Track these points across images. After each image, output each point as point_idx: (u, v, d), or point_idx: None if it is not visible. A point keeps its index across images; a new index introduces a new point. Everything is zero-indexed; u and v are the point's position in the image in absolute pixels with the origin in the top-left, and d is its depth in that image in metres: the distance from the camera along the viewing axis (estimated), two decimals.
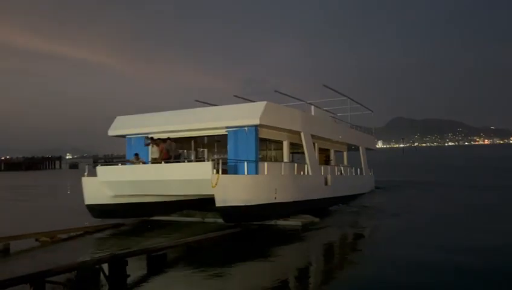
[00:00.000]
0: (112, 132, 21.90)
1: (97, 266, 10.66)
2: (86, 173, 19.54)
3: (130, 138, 21.55)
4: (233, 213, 16.25)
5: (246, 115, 18.45)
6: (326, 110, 27.18)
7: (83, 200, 19.51)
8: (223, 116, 18.97)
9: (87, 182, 19.40)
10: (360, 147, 32.04)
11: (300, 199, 19.67)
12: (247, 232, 17.04)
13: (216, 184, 15.73)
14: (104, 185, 18.81)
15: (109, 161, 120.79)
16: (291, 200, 18.96)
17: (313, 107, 24.74)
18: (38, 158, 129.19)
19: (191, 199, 19.35)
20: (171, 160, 18.82)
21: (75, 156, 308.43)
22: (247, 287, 10.76)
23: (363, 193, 29.27)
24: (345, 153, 30.49)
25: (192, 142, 21.98)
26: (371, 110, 32.59)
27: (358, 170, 31.05)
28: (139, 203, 19.31)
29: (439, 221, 19.03)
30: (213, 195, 15.99)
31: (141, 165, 18.98)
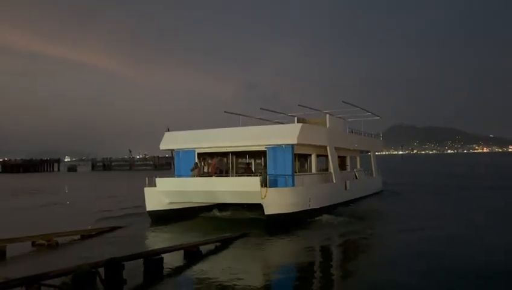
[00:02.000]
0: (163, 146, 24.60)
1: (93, 270, 10.55)
2: (146, 184, 22.52)
3: (179, 151, 24.05)
4: (278, 219, 19.10)
5: (284, 135, 21.21)
6: (339, 117, 29.43)
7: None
8: (263, 135, 21.78)
9: (148, 191, 22.34)
10: (371, 152, 35.52)
11: (327, 205, 22.57)
12: (244, 235, 17.00)
13: (265, 196, 18.88)
14: (162, 194, 21.88)
15: (108, 164, 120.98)
16: (321, 206, 21.80)
17: (328, 115, 26.65)
18: (37, 160, 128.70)
19: (233, 203, 21.98)
20: (222, 174, 22.26)
21: (74, 159, 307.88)
22: None
23: (374, 193, 32.07)
24: (358, 158, 33.19)
25: (233, 155, 24.36)
26: (379, 116, 34.16)
27: (369, 171, 34.43)
28: (188, 208, 22.43)
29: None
30: (258, 202, 19.28)
31: (196, 178, 21.84)
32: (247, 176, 21.71)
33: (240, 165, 25.07)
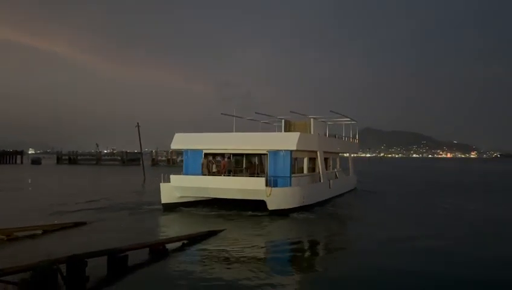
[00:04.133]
0: (174, 145, 27.33)
1: (54, 267, 10.23)
2: (162, 180, 25.07)
3: (187, 151, 26.79)
4: (280, 213, 22.39)
5: (284, 141, 24.70)
6: (322, 121, 33.33)
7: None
8: (266, 141, 25.14)
9: (163, 186, 25.05)
10: (348, 153, 40.49)
11: (316, 201, 26.00)
12: (212, 233, 16.95)
13: (269, 194, 22.28)
14: (175, 189, 24.81)
15: (74, 157, 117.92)
16: (312, 202, 25.27)
17: (312, 120, 30.16)
18: None
19: (237, 199, 24.33)
20: (230, 173, 25.12)
21: (38, 151, 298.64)
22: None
23: (350, 190, 36.44)
24: (337, 159, 36.67)
25: (238, 157, 26.89)
26: (355, 121, 38.35)
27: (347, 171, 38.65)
28: (196, 201, 25.42)
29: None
30: (261, 199, 22.62)
31: (206, 177, 24.83)
32: (251, 176, 24.49)
33: (243, 166, 27.08)
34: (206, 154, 26.13)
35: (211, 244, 15.70)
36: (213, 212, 23.48)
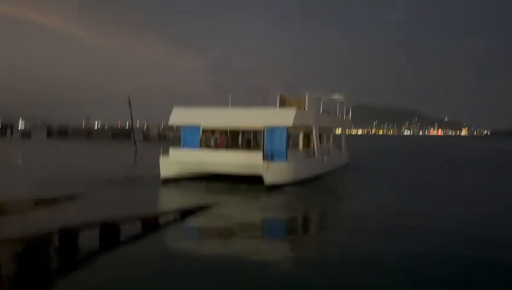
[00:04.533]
0: (172, 121, 27.30)
1: (46, 239, 10.27)
2: (161, 154, 25.33)
3: (185, 126, 26.89)
4: (275, 187, 22.75)
5: (280, 117, 25.11)
6: (317, 98, 33.73)
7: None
8: (263, 117, 25.60)
9: (163, 160, 25.23)
10: (341, 130, 41.81)
11: (311, 175, 26.81)
12: (204, 207, 17.08)
13: (267, 169, 22.74)
14: (174, 163, 25.04)
15: (64, 131, 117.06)
16: (307, 176, 26.03)
17: (307, 96, 30.64)
18: None
19: (233, 173, 24.68)
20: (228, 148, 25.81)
21: (28, 124, 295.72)
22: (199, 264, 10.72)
23: (343, 165, 37.39)
24: (331, 135, 37.68)
25: (227, 132, 27.33)
26: (348, 98, 40.32)
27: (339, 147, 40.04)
28: (195, 175, 25.72)
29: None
30: (258, 173, 22.99)
31: (205, 151, 25.35)
32: (248, 151, 25.27)
33: (239, 141, 27.88)
34: (204, 129, 26.50)
35: (203, 218, 15.83)
36: (209, 186, 23.69)
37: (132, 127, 60.02)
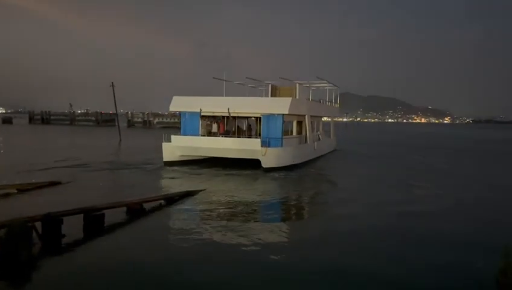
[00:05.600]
0: (172, 108, 28.59)
1: (29, 224, 10.14)
2: (164, 140, 27.09)
3: (185, 113, 28.19)
4: (271, 171, 24.48)
5: (276, 106, 26.56)
6: (306, 86, 35.87)
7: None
8: (260, 105, 27.28)
9: (165, 146, 27.08)
10: (330, 117, 44.06)
11: (303, 161, 28.82)
12: (190, 193, 17.06)
13: (265, 154, 24.68)
14: (175, 148, 26.83)
15: (46, 117, 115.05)
16: (300, 161, 28.04)
17: (297, 85, 32.39)
18: None
19: (232, 157, 26.64)
20: (228, 134, 26.84)
21: (9, 111, 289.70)
22: (184, 251, 10.73)
23: (332, 151, 39.62)
24: (320, 122, 38.90)
25: (226, 119, 28.28)
26: (337, 86, 41.71)
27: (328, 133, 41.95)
28: (194, 160, 27.50)
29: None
30: (256, 158, 25.07)
31: (206, 137, 26.87)
32: (246, 137, 26.95)
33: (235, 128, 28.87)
34: (203, 116, 27.82)
35: (188, 204, 15.83)
36: (203, 170, 25.11)
37: (116, 113, 59.08)
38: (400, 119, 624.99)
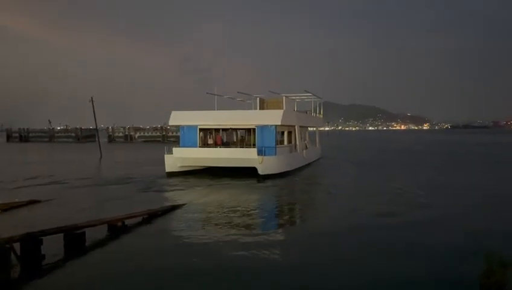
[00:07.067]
0: (172, 122, 30.65)
1: (7, 245, 9.86)
2: (165, 152, 29.02)
3: (183, 127, 30.01)
4: (268, 177, 26.10)
5: (270, 118, 28.82)
6: (292, 99, 37.87)
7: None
8: (254, 117, 29.58)
9: (167, 157, 28.82)
10: (316, 128, 46.74)
11: (294, 168, 30.70)
12: (173, 207, 16.88)
13: (261, 162, 26.56)
14: (177, 160, 28.56)
15: (25, 135, 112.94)
16: (291, 169, 29.86)
17: (284, 97, 34.28)
18: None
19: (229, 166, 28.23)
20: (226, 145, 29.43)
21: None
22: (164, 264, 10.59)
23: (316, 160, 41.21)
24: (307, 132, 41.08)
25: (221, 131, 30.96)
26: (321, 98, 44.06)
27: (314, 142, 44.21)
28: (194, 170, 29.25)
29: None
30: (252, 166, 26.80)
31: (206, 149, 28.95)
32: (242, 147, 28.86)
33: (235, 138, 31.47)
34: (201, 129, 29.81)
35: (170, 220, 15.65)
36: (192, 181, 26.04)
37: (96, 128, 58.28)
38: (380, 127, 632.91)
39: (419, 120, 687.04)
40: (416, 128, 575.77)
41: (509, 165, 38.34)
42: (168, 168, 28.67)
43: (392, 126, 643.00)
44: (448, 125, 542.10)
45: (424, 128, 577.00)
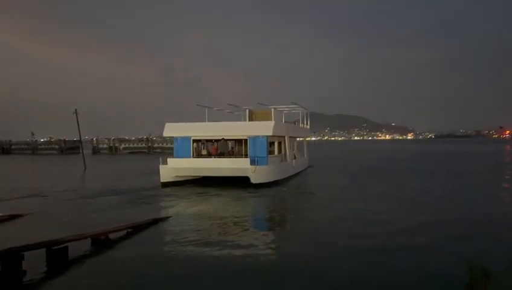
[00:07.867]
0: (166, 133, 31.79)
1: None
2: (160, 163, 29.77)
3: (177, 138, 31.04)
4: (260, 186, 27.12)
5: (261, 129, 29.83)
6: (280, 110, 38.99)
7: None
8: (246, 128, 30.59)
9: (162, 168, 29.63)
10: (303, 138, 48.08)
11: (284, 177, 31.91)
12: (157, 220, 16.72)
13: (254, 171, 27.49)
14: (172, 170, 29.35)
15: (7, 147, 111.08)
16: (282, 177, 31.06)
17: (273, 109, 34.77)
18: None
19: (223, 176, 29.29)
20: (221, 156, 29.92)
21: None
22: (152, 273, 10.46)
23: (304, 169, 42.61)
24: (295, 142, 42.13)
25: (214, 142, 31.52)
26: (307, 109, 45.65)
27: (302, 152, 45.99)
28: (188, 180, 30.01)
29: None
30: (245, 176, 27.77)
31: (201, 159, 29.78)
32: (236, 157, 29.75)
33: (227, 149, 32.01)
34: (194, 140, 30.91)
35: (155, 233, 15.46)
36: (183, 192, 26.11)
37: (80, 140, 57.60)
38: (365, 137, 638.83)
39: (403, 130, 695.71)
40: (400, 138, 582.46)
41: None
42: (163, 179, 29.40)
43: (377, 136, 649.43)
44: (432, 135, 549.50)
45: (409, 138, 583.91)
